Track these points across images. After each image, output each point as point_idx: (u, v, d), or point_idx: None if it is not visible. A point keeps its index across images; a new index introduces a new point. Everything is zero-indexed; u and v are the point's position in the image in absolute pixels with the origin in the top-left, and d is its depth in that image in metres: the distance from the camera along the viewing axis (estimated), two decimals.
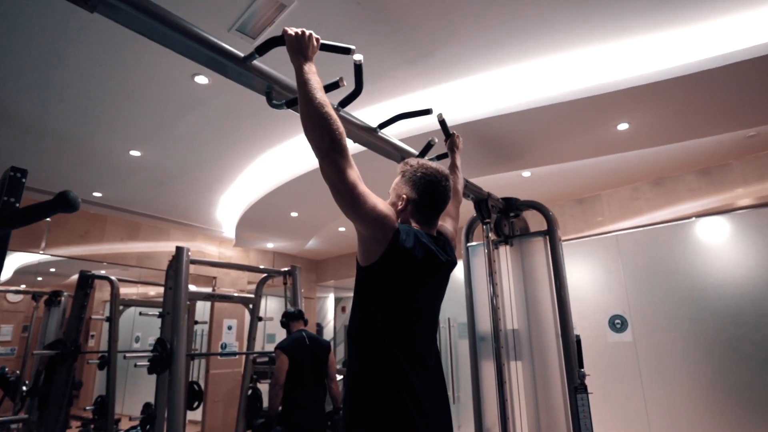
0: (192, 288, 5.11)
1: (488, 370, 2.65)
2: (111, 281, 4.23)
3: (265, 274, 4.91)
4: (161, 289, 5.61)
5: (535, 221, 3.24)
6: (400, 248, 1.07)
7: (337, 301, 8.84)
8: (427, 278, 1.17)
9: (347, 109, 1.61)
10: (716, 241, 3.53)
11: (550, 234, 2.67)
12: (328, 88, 1.35)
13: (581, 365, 2.39)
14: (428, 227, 1.27)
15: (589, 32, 2.15)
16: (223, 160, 3.46)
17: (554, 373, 2.47)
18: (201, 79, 2.35)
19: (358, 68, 1.40)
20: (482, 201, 2.72)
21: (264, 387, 5.61)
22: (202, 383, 5.19)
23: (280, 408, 3.09)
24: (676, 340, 3.53)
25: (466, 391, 4.67)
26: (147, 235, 5.01)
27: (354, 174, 1.04)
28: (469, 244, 3.10)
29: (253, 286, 6.07)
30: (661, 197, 3.91)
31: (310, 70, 1.11)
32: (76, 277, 4.04)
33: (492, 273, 2.68)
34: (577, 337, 2.44)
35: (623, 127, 2.70)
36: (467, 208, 4.25)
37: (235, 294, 4.83)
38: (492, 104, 2.60)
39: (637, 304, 3.79)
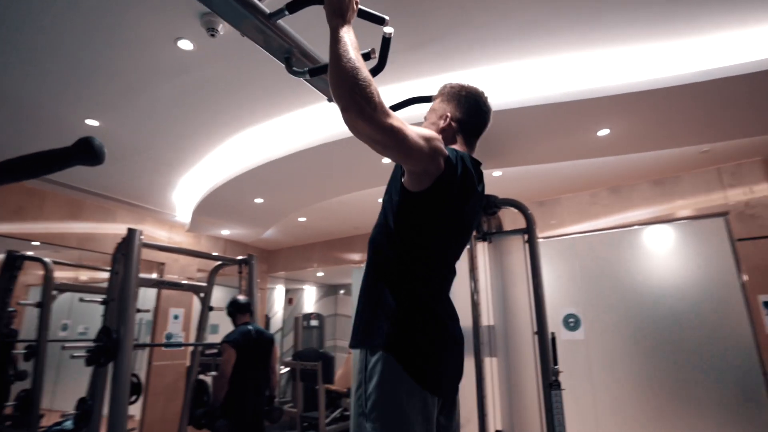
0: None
1: (466, 365, 2.66)
2: (44, 263, 3.79)
3: (219, 262, 4.65)
4: (96, 274, 5.16)
5: (507, 220, 3.30)
6: (450, 178, 1.04)
7: (287, 292, 8.62)
8: (467, 207, 1.15)
9: None
10: (661, 247, 3.80)
11: (529, 232, 2.72)
12: (364, 58, 1.24)
13: (556, 362, 2.45)
14: (470, 149, 1.25)
15: (578, 38, 2.20)
16: (191, 137, 3.18)
17: (529, 369, 2.52)
18: (185, 44, 2.12)
19: (386, 42, 1.30)
20: None
21: (209, 379, 5.37)
22: (142, 376, 4.83)
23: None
24: (624, 339, 3.77)
25: None
26: (90, 215, 4.53)
27: (391, 120, 0.93)
28: None
29: (203, 275, 5.76)
30: (617, 204, 4.14)
31: (349, 32, 1.00)
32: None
33: (473, 269, 2.69)
34: (552, 334, 2.50)
35: (604, 132, 2.81)
36: None
37: (186, 282, 4.51)
38: (493, 99, 2.59)
39: (589, 304, 4.00)
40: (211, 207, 4.34)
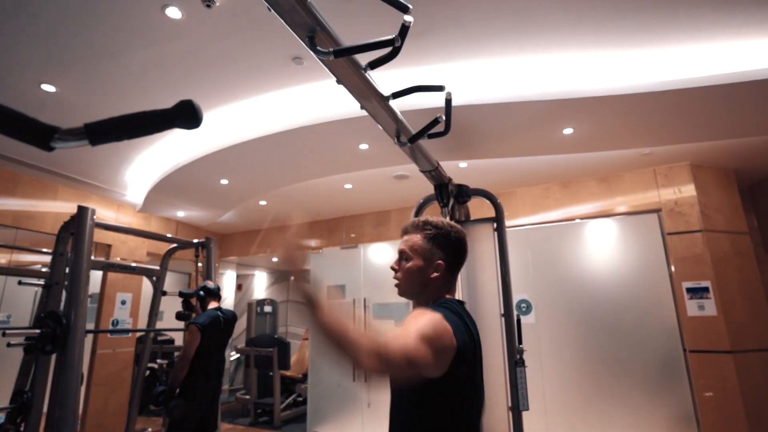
0: None
1: None
2: None
3: (174, 245, 4.45)
4: (26, 256, 4.73)
5: (473, 209, 3.48)
6: (461, 354, 1.05)
7: (237, 278, 8.40)
8: (477, 359, 1.17)
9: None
10: (603, 239, 4.20)
11: (498, 221, 2.90)
12: (379, 45, 1.29)
13: (520, 342, 2.66)
14: (453, 290, 1.25)
15: (551, 42, 2.38)
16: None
17: (496, 348, 2.71)
18: (173, 12, 2.02)
19: (404, 31, 1.34)
20: (443, 185, 2.84)
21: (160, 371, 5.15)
22: (84, 365, 4.52)
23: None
24: (569, 323, 4.13)
25: None
26: (28, 191, 4.13)
27: (399, 353, 0.91)
28: None
29: (152, 258, 5.46)
30: (567, 198, 4.49)
31: (324, 313, 0.95)
32: None
33: None
34: (518, 316, 2.71)
35: (568, 131, 3.04)
36: (417, 189, 4.36)
37: (137, 264, 4.27)
38: (465, 93, 2.71)
39: (540, 290, 4.33)
40: (172, 186, 4.14)
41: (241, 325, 8.10)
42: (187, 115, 0.63)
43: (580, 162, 3.97)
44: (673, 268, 3.84)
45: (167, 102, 0.65)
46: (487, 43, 2.40)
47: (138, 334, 5.24)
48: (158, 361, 5.14)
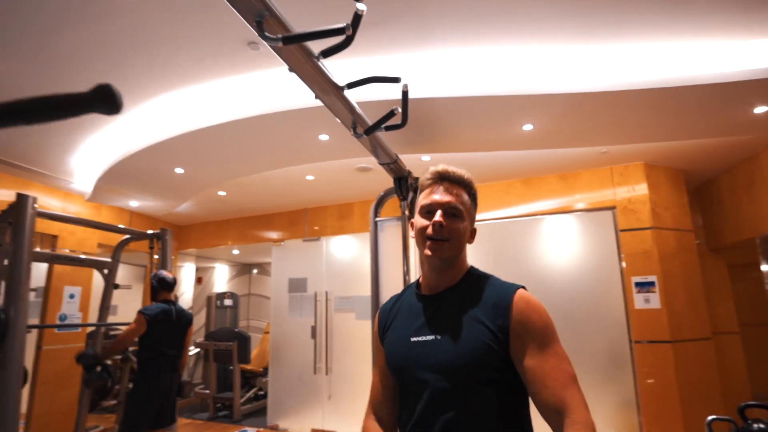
0: None
1: None
2: None
3: (126, 236, 4.26)
4: None
5: None
6: None
7: (197, 270, 8.15)
8: None
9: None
10: (562, 234, 4.33)
11: None
12: (330, 33, 1.24)
13: None
14: None
15: (512, 34, 2.39)
16: None
17: None
18: None
19: (357, 19, 1.30)
20: (403, 178, 2.83)
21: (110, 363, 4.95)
22: (29, 362, 4.27)
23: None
24: None
25: (339, 362, 4.86)
26: None
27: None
28: (377, 219, 3.19)
29: (103, 250, 5.20)
30: (528, 194, 4.58)
31: None
32: None
33: (405, 249, 2.81)
34: None
35: (528, 127, 3.09)
36: (381, 182, 4.33)
37: (86, 257, 4.06)
38: (424, 86, 2.69)
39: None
40: (123, 174, 3.92)
41: (200, 319, 7.88)
42: (104, 101, 0.58)
43: (541, 159, 4.05)
44: (623, 264, 4.01)
45: (110, 79, 0.59)
46: (446, 34, 2.38)
47: (88, 330, 5.00)
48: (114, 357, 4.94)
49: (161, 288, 3.27)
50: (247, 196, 5.24)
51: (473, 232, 1.12)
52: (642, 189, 4.08)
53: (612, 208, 4.19)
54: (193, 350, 7.35)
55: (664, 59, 2.58)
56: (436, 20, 2.25)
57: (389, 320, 1.16)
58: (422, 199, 1.09)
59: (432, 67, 2.66)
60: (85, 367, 3.05)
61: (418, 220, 1.07)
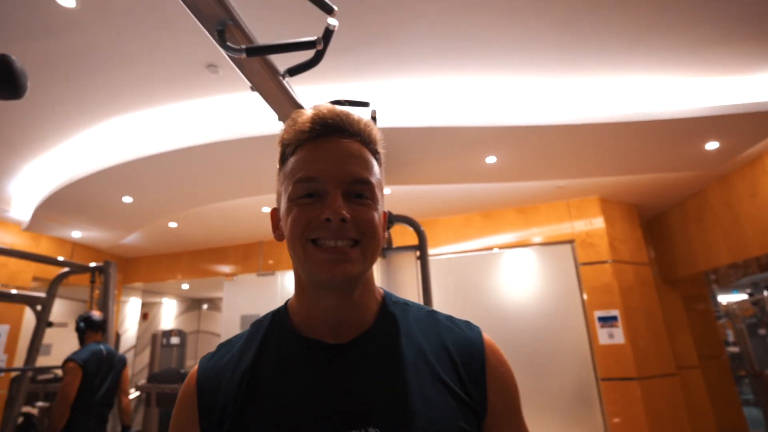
0: None
1: None
2: None
3: (66, 269, 3.87)
4: None
5: (395, 236, 3.41)
6: None
7: (142, 306, 7.58)
8: None
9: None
10: (521, 268, 4.35)
11: (421, 249, 2.84)
12: (299, 46, 1.16)
13: None
14: None
15: (478, 66, 2.43)
16: (50, 114, 2.61)
17: None
18: (66, 1, 1.74)
19: (328, 35, 1.23)
20: None
21: (36, 411, 4.39)
22: None
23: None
24: None
25: None
26: None
27: None
28: None
29: (39, 284, 4.70)
30: (488, 228, 4.62)
31: None
32: None
33: None
34: None
35: (491, 160, 3.12)
36: None
37: (17, 292, 3.64)
38: (389, 115, 2.67)
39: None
40: (66, 202, 3.60)
41: (143, 358, 7.24)
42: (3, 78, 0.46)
43: (500, 192, 4.10)
44: (585, 297, 4.05)
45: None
46: (413, 63, 2.39)
47: (13, 375, 4.43)
48: (38, 404, 4.39)
49: (88, 329, 2.97)
50: (199, 228, 4.97)
51: (384, 220, 0.68)
52: (599, 223, 4.20)
53: (571, 241, 4.27)
54: (133, 393, 6.70)
55: (622, 95, 2.70)
56: (404, 50, 2.25)
57: (238, 396, 0.61)
58: (296, 168, 0.63)
59: (399, 96, 2.65)
60: None
61: (290, 208, 0.62)
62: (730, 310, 4.67)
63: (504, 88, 2.62)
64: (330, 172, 0.61)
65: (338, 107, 0.65)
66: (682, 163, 3.37)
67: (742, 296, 4.82)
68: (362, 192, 0.62)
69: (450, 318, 0.71)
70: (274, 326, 0.68)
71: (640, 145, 3.03)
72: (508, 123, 2.67)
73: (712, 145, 3.06)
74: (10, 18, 1.86)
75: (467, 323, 0.70)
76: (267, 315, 0.71)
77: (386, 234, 0.74)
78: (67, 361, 2.73)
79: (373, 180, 0.64)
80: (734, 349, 4.75)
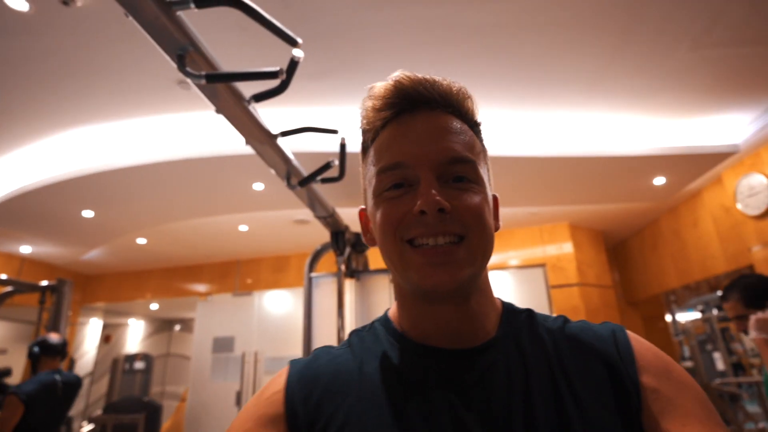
0: None
1: None
2: None
3: (9, 289, 3.64)
4: None
5: (372, 258, 3.39)
6: None
7: (104, 327, 7.20)
8: None
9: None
10: (497, 290, 4.38)
11: None
12: (262, 75, 1.15)
13: None
14: None
15: None
16: (2, 120, 2.49)
17: None
18: (14, 2, 1.67)
19: (292, 66, 1.23)
20: (340, 233, 2.70)
21: None
22: None
23: None
24: None
25: None
26: None
27: None
28: (312, 275, 3.00)
29: None
30: None
31: None
32: None
33: (341, 306, 2.64)
34: None
35: None
36: (319, 235, 4.15)
37: None
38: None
39: None
40: (15, 213, 3.41)
41: (101, 387, 6.83)
42: None
43: None
44: None
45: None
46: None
47: None
48: None
49: (43, 354, 2.62)
50: (171, 246, 4.80)
51: (496, 206, 0.58)
52: (568, 248, 4.30)
53: (542, 265, 4.33)
54: (85, 428, 6.28)
55: (581, 131, 2.85)
56: (374, 76, 2.27)
57: (338, 414, 0.49)
58: (378, 155, 0.54)
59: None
60: None
61: (377, 205, 0.52)
62: (685, 328, 4.92)
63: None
64: (419, 152, 0.49)
65: (424, 76, 0.54)
66: (635, 196, 3.63)
67: (697, 315, 5.10)
68: (463, 174, 0.50)
69: (585, 323, 0.57)
70: (376, 332, 0.57)
71: (597, 178, 3.23)
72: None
73: (659, 180, 3.34)
74: None
75: (607, 324, 0.56)
76: (366, 326, 0.60)
77: (499, 224, 0.57)
78: (9, 393, 2.44)
79: (476, 158, 0.52)
80: (689, 364, 4.97)
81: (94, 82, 2.22)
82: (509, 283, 4.33)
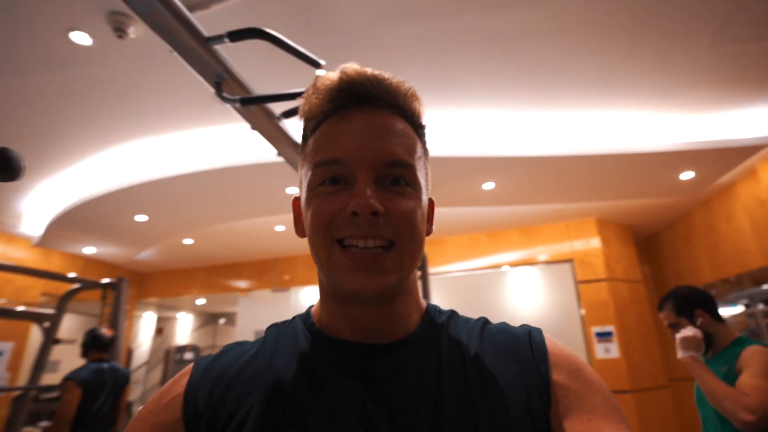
0: None
1: None
2: None
3: (76, 286, 3.99)
4: None
5: None
6: None
7: (158, 320, 7.76)
8: None
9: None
10: (525, 285, 4.44)
11: (423, 270, 2.98)
12: (289, 96, 1.33)
13: None
14: None
15: (474, 100, 2.60)
16: (65, 138, 2.83)
17: None
18: (80, 38, 1.96)
19: None
20: None
21: None
22: None
23: None
24: None
25: None
26: None
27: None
28: None
29: (50, 300, 4.84)
30: (493, 247, 4.73)
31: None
32: None
33: None
34: None
35: (489, 186, 3.30)
36: None
37: (23, 308, 3.68)
38: None
39: None
40: (79, 219, 3.83)
41: (155, 375, 7.38)
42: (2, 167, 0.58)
43: (503, 213, 4.24)
44: (583, 314, 4.12)
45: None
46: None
47: (15, 394, 4.41)
48: (41, 424, 4.34)
49: (93, 347, 2.85)
50: (214, 245, 5.16)
51: (431, 210, 0.58)
52: (596, 243, 4.29)
53: (570, 260, 4.36)
54: None
55: (604, 129, 2.87)
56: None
57: (239, 411, 0.49)
58: (316, 147, 0.52)
59: None
60: None
61: (310, 199, 0.51)
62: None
63: (498, 121, 2.79)
64: (358, 151, 0.48)
65: (370, 71, 0.52)
66: (663, 191, 3.59)
67: (741, 309, 4.92)
68: (401, 177, 0.49)
69: (504, 324, 0.59)
70: (292, 327, 0.58)
71: (623, 175, 3.24)
72: (502, 154, 2.87)
73: (687, 175, 3.30)
74: (31, 53, 2.06)
75: (525, 326, 0.58)
76: (286, 321, 0.61)
77: (432, 228, 0.58)
78: (66, 380, 2.63)
79: (416, 162, 0.51)
80: None
81: (144, 102, 2.51)
82: (537, 278, 4.39)
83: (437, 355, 0.51)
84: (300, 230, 0.57)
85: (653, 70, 2.35)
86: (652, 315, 4.40)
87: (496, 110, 2.70)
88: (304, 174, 0.53)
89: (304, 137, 0.56)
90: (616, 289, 4.15)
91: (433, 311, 0.58)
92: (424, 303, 0.59)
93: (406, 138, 0.51)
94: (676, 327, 1.70)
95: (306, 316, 0.59)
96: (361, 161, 0.48)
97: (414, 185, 0.50)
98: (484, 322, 0.58)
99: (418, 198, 0.51)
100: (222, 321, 8.87)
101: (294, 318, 0.60)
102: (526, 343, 0.53)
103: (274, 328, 0.59)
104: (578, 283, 4.24)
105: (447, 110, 2.69)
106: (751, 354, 1.45)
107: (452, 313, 0.59)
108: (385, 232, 0.47)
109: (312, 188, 0.51)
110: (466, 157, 2.90)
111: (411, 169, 0.50)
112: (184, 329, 8.44)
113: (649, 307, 4.35)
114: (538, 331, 0.55)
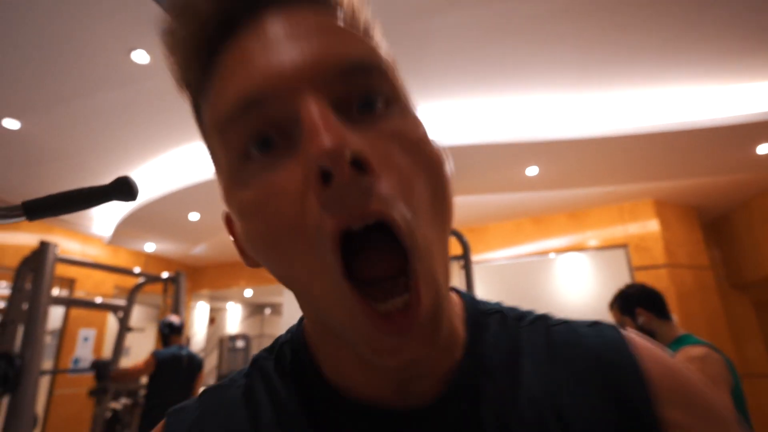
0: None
1: None
2: None
3: (142, 279, 4.33)
4: None
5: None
6: None
7: (210, 311, 8.20)
8: None
9: None
10: (574, 272, 4.28)
11: (465, 258, 2.92)
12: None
13: None
14: None
15: (517, 86, 2.50)
16: (127, 147, 3.02)
17: None
18: (140, 57, 2.05)
19: None
20: None
21: (120, 406, 4.88)
22: (40, 406, 4.27)
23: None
24: None
25: None
26: None
27: None
28: None
29: (120, 291, 5.28)
30: (538, 233, 4.57)
31: None
32: None
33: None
34: None
35: (533, 171, 3.16)
36: None
37: (101, 300, 4.14)
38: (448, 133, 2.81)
39: None
40: (143, 219, 4.10)
41: (212, 360, 7.83)
42: (123, 191, 0.66)
43: (549, 198, 4.08)
44: None
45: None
46: (447, 87, 2.50)
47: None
48: (122, 400, 4.87)
49: (171, 333, 3.30)
50: None
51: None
52: (653, 226, 4.04)
53: (624, 245, 4.14)
54: None
55: (667, 104, 2.67)
56: (439, 75, 2.37)
57: None
58: (219, 100, 0.29)
59: (432, 115, 2.76)
60: (97, 373, 3.24)
61: (237, 199, 0.30)
62: None
63: (542, 103, 2.67)
64: (289, 63, 0.26)
65: None
66: (733, 168, 3.29)
67: None
68: (373, 90, 0.28)
69: (568, 325, 0.41)
70: (296, 377, 0.37)
71: (686, 152, 3.00)
72: (544, 138, 2.73)
73: (765, 148, 2.98)
74: (92, 71, 2.20)
75: (597, 328, 0.40)
76: (274, 349, 0.42)
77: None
78: (151, 354, 3.11)
79: (387, 63, 0.30)
80: None
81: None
82: (588, 265, 4.20)
83: (500, 396, 0.33)
84: (252, 261, 0.35)
85: (713, 38, 2.13)
86: (723, 303, 4.09)
87: (537, 95, 2.59)
88: (218, 164, 0.33)
89: (196, 108, 0.35)
90: (678, 276, 3.89)
91: (474, 313, 0.38)
92: (457, 301, 0.39)
93: (358, 32, 0.29)
94: (621, 326, 1.60)
95: (298, 347, 0.39)
96: (299, 76, 0.26)
97: (398, 99, 0.30)
98: (546, 327, 0.40)
99: (415, 116, 0.31)
100: (268, 311, 9.22)
101: (282, 346, 0.41)
102: (613, 363, 0.34)
103: (258, 363, 0.41)
104: (634, 269, 4.02)
105: (483, 97, 2.60)
106: (682, 359, 1.37)
107: (501, 314, 0.40)
108: (390, 208, 0.25)
109: (232, 176, 0.30)
110: (506, 143, 2.80)
111: (385, 74, 0.29)
112: (234, 319, 8.84)
113: (718, 294, 4.04)
114: (620, 338, 0.37)
